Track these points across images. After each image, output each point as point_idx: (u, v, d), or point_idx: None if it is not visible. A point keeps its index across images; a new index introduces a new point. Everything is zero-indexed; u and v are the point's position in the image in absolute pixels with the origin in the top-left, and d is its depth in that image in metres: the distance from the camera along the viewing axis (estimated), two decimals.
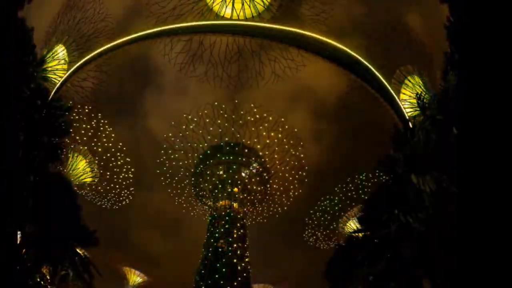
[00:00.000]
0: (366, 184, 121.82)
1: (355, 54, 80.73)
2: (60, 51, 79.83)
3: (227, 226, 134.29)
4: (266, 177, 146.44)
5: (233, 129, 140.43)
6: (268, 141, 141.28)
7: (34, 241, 53.82)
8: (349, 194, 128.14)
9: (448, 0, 46.41)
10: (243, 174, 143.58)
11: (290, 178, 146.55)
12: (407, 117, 73.21)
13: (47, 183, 54.96)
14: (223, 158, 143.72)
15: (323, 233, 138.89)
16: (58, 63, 78.08)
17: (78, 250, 64.07)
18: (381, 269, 47.41)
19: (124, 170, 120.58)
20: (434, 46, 78.82)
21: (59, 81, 76.68)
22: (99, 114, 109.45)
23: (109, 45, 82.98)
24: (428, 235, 40.72)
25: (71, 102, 78.68)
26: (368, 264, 48.98)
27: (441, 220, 38.00)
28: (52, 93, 72.20)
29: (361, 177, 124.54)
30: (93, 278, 66.67)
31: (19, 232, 51.91)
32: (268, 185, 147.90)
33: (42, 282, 57.48)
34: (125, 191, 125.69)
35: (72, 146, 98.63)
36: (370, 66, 79.48)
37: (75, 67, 79.57)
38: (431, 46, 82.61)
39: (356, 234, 58.01)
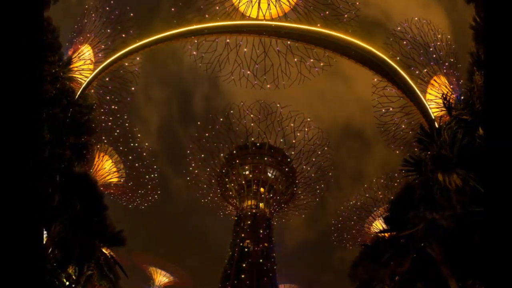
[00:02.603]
0: (392, 184, 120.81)
1: (381, 54, 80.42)
2: (86, 51, 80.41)
3: (253, 226, 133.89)
4: (292, 177, 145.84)
5: (259, 129, 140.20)
6: (294, 141, 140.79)
7: (60, 241, 54.12)
8: (375, 193, 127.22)
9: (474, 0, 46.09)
10: (269, 174, 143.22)
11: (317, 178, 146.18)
12: (433, 117, 72.82)
13: (73, 183, 55.22)
14: (249, 158, 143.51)
15: (349, 233, 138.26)
16: (84, 63, 78.62)
17: (104, 250, 64.35)
18: (407, 269, 47.15)
19: (150, 170, 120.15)
20: (460, 46, 78.56)
21: (85, 81, 77.25)
22: (125, 115, 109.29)
23: (134, 45, 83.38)
24: (455, 234, 40.32)
25: (96, 102, 79.03)
26: (394, 264, 48.70)
27: (468, 219, 37.57)
28: (78, 92, 72.78)
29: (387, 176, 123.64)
30: (118, 278, 67.02)
31: (45, 232, 52.28)
32: (294, 185, 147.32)
33: (68, 282, 57.80)
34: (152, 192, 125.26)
35: (98, 146, 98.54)
36: (396, 66, 79.15)
37: (101, 67, 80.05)
38: (457, 46, 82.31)
39: (382, 234, 57.62)
